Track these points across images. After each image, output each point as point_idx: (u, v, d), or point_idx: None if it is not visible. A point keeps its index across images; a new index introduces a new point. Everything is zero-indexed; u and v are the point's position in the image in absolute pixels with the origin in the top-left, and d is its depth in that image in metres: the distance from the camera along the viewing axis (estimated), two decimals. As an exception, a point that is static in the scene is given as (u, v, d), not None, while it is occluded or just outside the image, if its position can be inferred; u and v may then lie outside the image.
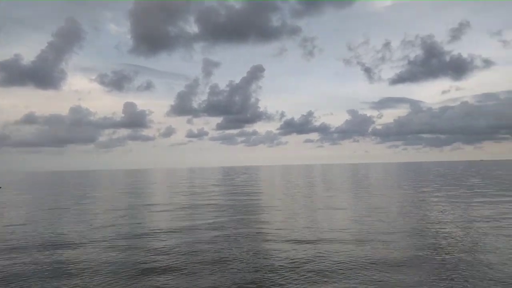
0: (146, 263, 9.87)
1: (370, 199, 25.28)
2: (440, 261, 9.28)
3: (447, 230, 13.31)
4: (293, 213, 18.83)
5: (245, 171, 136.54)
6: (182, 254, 10.69)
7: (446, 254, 9.98)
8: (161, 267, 9.46)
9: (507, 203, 20.98)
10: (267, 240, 12.39)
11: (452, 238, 12.02)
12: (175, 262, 9.85)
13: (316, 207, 21.34)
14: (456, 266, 8.81)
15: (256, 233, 13.74)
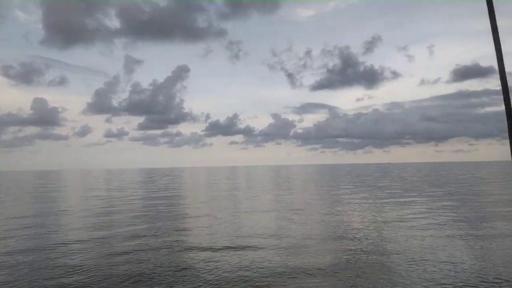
0: (51, 279, 8.75)
1: (292, 200, 26.01)
2: (356, 264, 9.69)
3: (362, 232, 14.06)
4: (217, 218, 18.51)
5: (168, 173, 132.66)
6: (95, 269, 9.73)
7: (363, 256, 10.48)
8: (69, 286, 8.45)
9: (413, 203, 23.09)
10: (190, 249, 11.88)
11: (368, 240, 12.72)
12: (86, 280, 8.90)
13: (239, 211, 21.28)
14: (372, 269, 9.27)
15: (178, 241, 13.13)
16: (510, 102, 10.62)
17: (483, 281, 8.17)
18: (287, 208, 22.23)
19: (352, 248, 11.52)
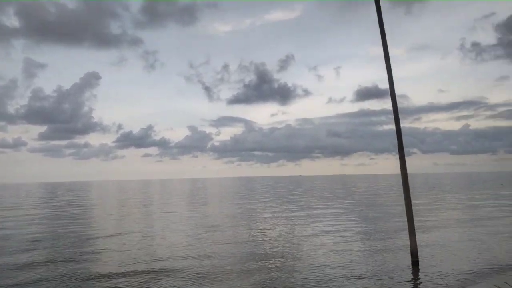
0: None
1: (209, 216, 25.47)
2: (267, 277, 9.62)
3: (276, 244, 14.17)
4: (129, 238, 17.17)
5: (73, 188, 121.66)
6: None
7: (274, 264, 10.47)
8: None
9: (321, 215, 24.23)
10: (99, 277, 10.66)
11: (281, 250, 12.82)
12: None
13: (154, 229, 20.10)
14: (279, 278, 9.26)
15: (85, 268, 11.74)
16: (399, 121, 11.74)
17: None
18: (205, 224, 21.63)
19: (270, 266, 11.46)
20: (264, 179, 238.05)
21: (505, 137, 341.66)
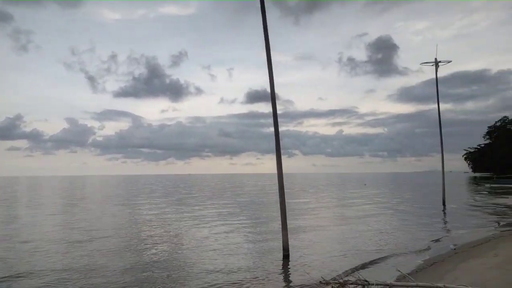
0: None
1: (86, 220, 23.43)
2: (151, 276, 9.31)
3: (161, 249, 13.78)
4: (-20, 245, 14.69)
5: None
6: None
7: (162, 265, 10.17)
8: None
9: (207, 211, 24.43)
10: None
11: (167, 257, 12.51)
12: None
13: (19, 238, 17.60)
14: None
15: None
16: (278, 124, 12.60)
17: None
18: (82, 230, 19.78)
19: (155, 276, 11.07)
20: (151, 178, 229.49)
21: (370, 143, 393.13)
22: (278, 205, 12.21)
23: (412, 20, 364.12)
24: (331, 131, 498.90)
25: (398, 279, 7.51)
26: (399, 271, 6.86)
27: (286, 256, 11.82)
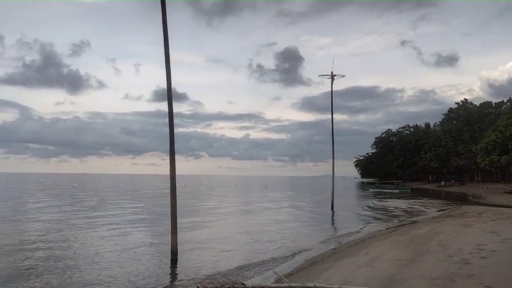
0: None
1: None
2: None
3: (48, 255, 12.30)
4: None
5: None
6: None
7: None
8: None
9: (100, 216, 22.71)
10: None
11: (52, 264, 11.19)
12: None
13: None
14: None
15: None
16: (173, 124, 12.32)
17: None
18: None
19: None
20: (41, 176, 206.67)
21: (274, 147, 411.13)
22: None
23: (316, 35, 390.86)
24: (238, 134, 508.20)
25: (276, 281, 7.81)
26: (275, 273, 7.12)
27: (174, 261, 11.50)
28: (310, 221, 23.54)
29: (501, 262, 9.20)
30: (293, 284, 6.65)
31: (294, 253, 13.04)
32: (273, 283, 7.28)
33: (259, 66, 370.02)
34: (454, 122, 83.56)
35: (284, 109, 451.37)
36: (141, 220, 22.01)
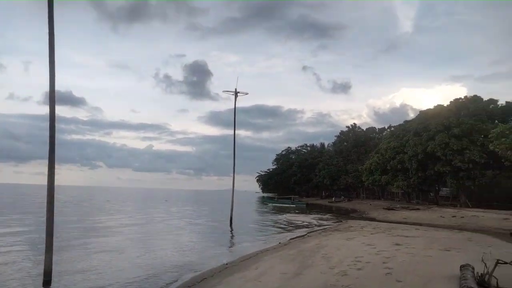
0: None
1: None
2: None
3: None
4: None
5: None
6: None
7: None
8: None
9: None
10: None
11: None
12: None
13: None
14: None
15: None
16: (54, 131, 11.17)
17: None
18: None
19: None
20: None
21: (178, 160, 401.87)
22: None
23: (226, 52, 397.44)
24: (141, 145, 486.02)
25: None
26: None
27: (47, 282, 10.22)
28: (208, 235, 23.30)
29: (373, 272, 10.15)
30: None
31: (187, 269, 12.66)
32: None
33: (167, 77, 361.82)
34: (345, 143, 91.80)
35: (190, 121, 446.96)
36: (20, 238, 19.30)
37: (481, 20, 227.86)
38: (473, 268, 8.64)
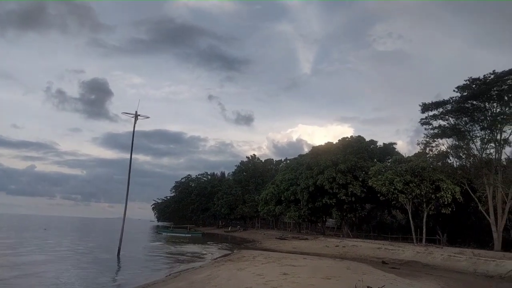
0: None
1: None
2: None
3: None
4: None
5: None
6: None
7: None
8: None
9: None
10: None
11: None
12: None
13: None
14: None
15: None
16: None
17: None
18: None
19: None
20: None
21: (65, 184, 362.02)
22: None
23: (129, 73, 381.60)
24: (20, 165, 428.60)
25: None
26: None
27: None
28: (90, 268, 21.17)
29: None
30: None
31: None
32: None
33: (60, 92, 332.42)
34: (244, 173, 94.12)
35: (83, 142, 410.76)
36: None
37: (368, 70, 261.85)
38: (347, 295, 9.36)
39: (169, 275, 18.49)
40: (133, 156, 32.53)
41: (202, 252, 33.67)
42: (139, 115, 32.21)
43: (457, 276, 22.08)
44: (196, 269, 20.63)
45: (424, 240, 34.66)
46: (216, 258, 28.18)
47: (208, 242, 49.10)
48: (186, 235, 65.57)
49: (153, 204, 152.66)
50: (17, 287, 14.89)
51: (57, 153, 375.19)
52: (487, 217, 31.66)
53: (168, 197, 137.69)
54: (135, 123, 31.97)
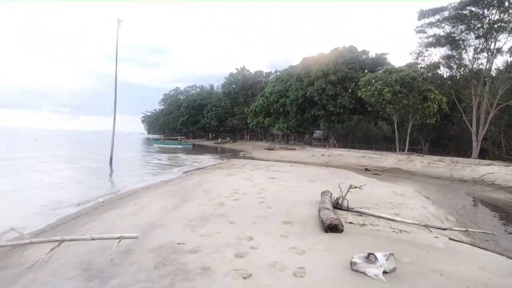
0: None
1: None
2: None
3: None
4: None
5: None
6: None
7: None
8: None
9: None
10: None
11: None
12: None
13: None
14: None
15: None
16: None
17: None
18: None
19: None
20: None
21: (52, 97, 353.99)
22: None
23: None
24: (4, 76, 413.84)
25: (15, 239, 6.74)
26: (13, 229, 6.10)
27: None
28: (83, 176, 21.77)
29: (248, 202, 10.87)
30: (34, 240, 5.84)
31: (54, 214, 11.73)
32: (9, 240, 6.22)
33: None
34: (233, 86, 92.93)
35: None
36: None
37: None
38: (331, 194, 9.88)
39: (161, 180, 19.18)
40: (120, 68, 31.41)
41: (193, 161, 34.69)
42: (121, 20, 30.36)
43: (434, 180, 23.47)
44: (187, 175, 21.40)
45: (406, 149, 36.06)
46: (207, 165, 29.14)
47: (199, 152, 50.39)
48: (177, 146, 66.91)
49: (142, 117, 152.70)
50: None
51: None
52: (470, 127, 32.65)
53: (157, 110, 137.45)
54: (118, 30, 30.28)
